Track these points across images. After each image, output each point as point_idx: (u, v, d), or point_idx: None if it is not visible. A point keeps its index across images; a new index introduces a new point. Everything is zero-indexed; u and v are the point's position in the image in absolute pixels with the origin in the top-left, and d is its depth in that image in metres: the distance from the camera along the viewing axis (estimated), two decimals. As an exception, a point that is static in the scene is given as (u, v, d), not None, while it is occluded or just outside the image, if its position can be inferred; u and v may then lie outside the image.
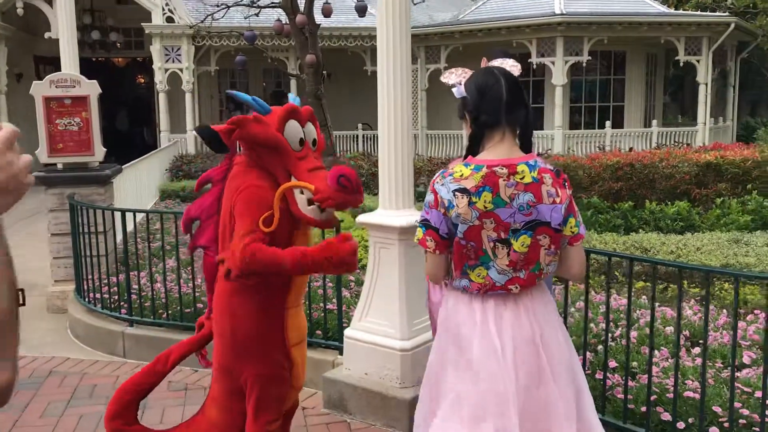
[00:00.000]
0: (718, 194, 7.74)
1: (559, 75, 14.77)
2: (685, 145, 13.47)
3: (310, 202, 2.61)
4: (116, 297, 5.38)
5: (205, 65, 16.17)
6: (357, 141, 17.27)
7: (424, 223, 2.28)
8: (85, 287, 5.68)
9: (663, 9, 16.69)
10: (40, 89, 5.97)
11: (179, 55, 15.54)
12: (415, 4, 14.14)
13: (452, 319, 2.34)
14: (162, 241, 5.28)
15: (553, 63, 14.87)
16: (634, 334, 4.19)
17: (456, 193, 2.18)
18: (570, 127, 16.00)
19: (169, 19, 15.33)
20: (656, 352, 3.98)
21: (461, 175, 2.20)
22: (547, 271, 2.29)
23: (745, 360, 3.83)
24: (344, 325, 4.48)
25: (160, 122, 15.76)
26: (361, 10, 13.21)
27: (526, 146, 2.31)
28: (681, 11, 17.37)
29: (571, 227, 2.26)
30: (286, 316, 2.77)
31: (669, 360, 3.93)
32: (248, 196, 2.57)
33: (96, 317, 5.45)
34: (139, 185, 9.63)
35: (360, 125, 17.29)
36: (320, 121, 13.70)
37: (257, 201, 2.57)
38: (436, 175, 2.29)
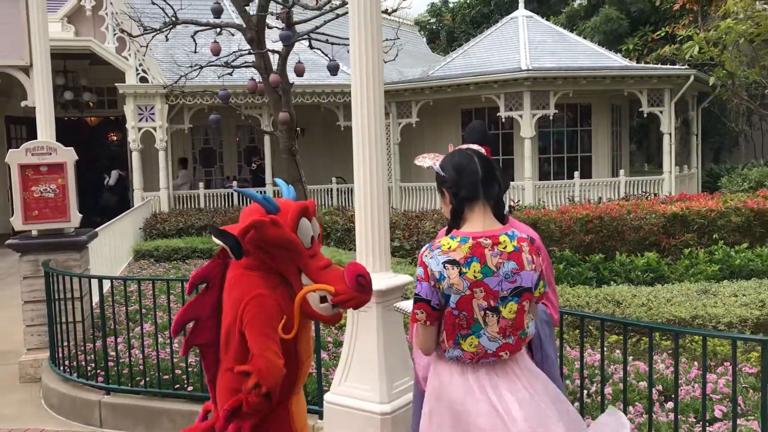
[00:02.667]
0: (686, 244, 7.94)
1: (527, 128, 15.13)
2: (652, 195, 13.78)
3: (322, 300, 2.66)
4: (92, 365, 5.33)
5: (179, 123, 16.28)
6: (331, 195, 17.40)
7: (414, 297, 2.38)
8: (60, 355, 5.62)
9: (625, 63, 17.27)
10: (16, 157, 6.00)
11: (152, 113, 15.65)
12: (386, 62, 14.49)
13: (448, 392, 2.41)
14: (139, 305, 5.27)
15: (521, 116, 15.24)
16: (608, 389, 4.27)
17: (446, 264, 2.30)
18: (539, 178, 16.30)
19: (143, 79, 15.48)
20: (630, 408, 4.05)
21: (449, 248, 2.33)
22: (530, 334, 2.41)
23: (717, 414, 3.92)
24: (324, 388, 4.50)
25: (134, 180, 15.75)
26: (334, 69, 13.48)
27: (499, 217, 2.46)
28: (642, 65, 17.97)
29: (539, 289, 2.42)
30: (291, 404, 2.79)
31: (644, 415, 4.00)
32: (259, 307, 2.56)
33: (71, 386, 5.39)
34: (113, 246, 9.59)
35: (334, 179, 17.45)
36: (294, 177, 13.90)
37: (267, 312, 2.56)
38: (423, 248, 2.41)
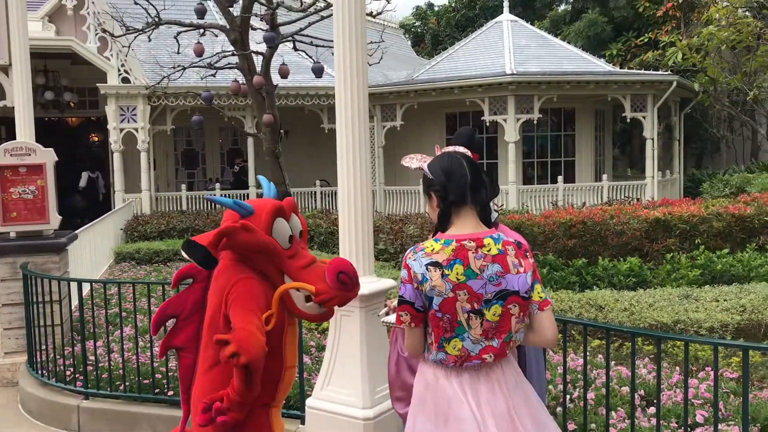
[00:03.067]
0: (668, 249, 7.99)
1: (511, 132, 15.18)
2: (635, 200, 13.87)
3: (307, 299, 2.61)
4: (71, 369, 5.25)
5: (161, 124, 16.16)
6: (315, 198, 17.35)
7: (399, 299, 2.36)
8: (38, 359, 5.53)
9: (609, 68, 17.38)
10: (-6, 158, 5.91)
11: (134, 114, 15.52)
12: (370, 65, 14.47)
13: (434, 394, 2.39)
14: (119, 309, 5.21)
15: (505, 120, 15.29)
16: (591, 395, 4.27)
17: (428, 266, 2.29)
18: (523, 182, 16.36)
19: (125, 80, 15.36)
20: (613, 413, 4.05)
21: (432, 250, 2.31)
22: (517, 339, 2.39)
23: (699, 419, 3.92)
24: (307, 393, 4.46)
25: (115, 182, 15.61)
26: (318, 71, 13.44)
27: (485, 221, 2.45)
28: (626, 70, 18.11)
29: (538, 293, 2.39)
30: (272, 413, 2.73)
31: (626, 420, 4.00)
32: (244, 287, 2.52)
33: (49, 390, 5.31)
34: (94, 248, 9.49)
35: (318, 182, 17.40)
36: (278, 180, 13.85)
37: (251, 292, 2.52)
38: (408, 251, 2.38)
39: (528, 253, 2.42)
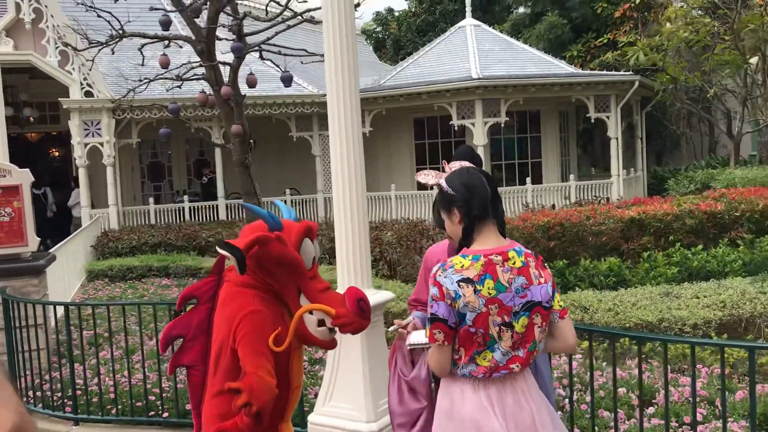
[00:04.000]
0: (644, 248, 8.14)
1: (479, 135, 15.31)
2: (604, 200, 14.10)
3: (319, 323, 2.60)
4: (59, 394, 5.14)
5: (126, 137, 15.90)
6: (285, 207, 17.22)
7: (431, 317, 2.36)
8: (23, 385, 5.40)
9: (572, 70, 17.66)
10: (-32, 180, 5.75)
11: (99, 129, 15.25)
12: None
13: (460, 411, 2.40)
14: (109, 331, 5.11)
15: (473, 124, 15.41)
16: (588, 397, 4.32)
17: (460, 283, 2.30)
18: (492, 185, 16.48)
19: (88, 94, 15.08)
20: (611, 414, 4.11)
21: (462, 266, 2.33)
22: (540, 348, 2.42)
23: (698, 417, 4.00)
24: (305, 409, 4.43)
25: (81, 198, 15.30)
26: (287, 80, 13.38)
27: (503, 234, 2.48)
28: (589, 71, 18.40)
29: (558, 302, 2.44)
30: (281, 430, 2.72)
31: (626, 422, 4.07)
32: (254, 324, 2.49)
33: (36, 418, 5.17)
34: (66, 267, 9.30)
35: (288, 191, 17.31)
36: (248, 190, 13.76)
37: (261, 330, 2.49)
38: (436, 268, 2.39)
39: (545, 264, 2.47)
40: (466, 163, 2.70)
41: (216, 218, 16.30)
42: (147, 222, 15.75)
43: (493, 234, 2.44)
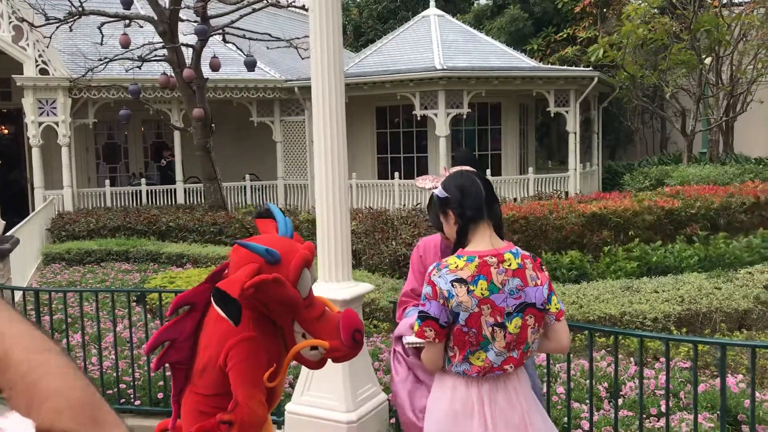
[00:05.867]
0: (604, 242, 8.36)
1: (442, 126, 15.41)
2: (563, 193, 14.37)
3: (312, 347, 2.60)
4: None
5: (82, 118, 15.52)
6: (245, 192, 17.10)
7: (422, 315, 2.41)
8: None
9: (533, 64, 17.88)
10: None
11: (54, 108, 14.84)
12: (303, 59, 14.37)
13: (445, 404, 2.47)
14: (81, 319, 5.03)
15: (435, 115, 15.51)
16: (561, 389, 4.46)
17: (454, 283, 2.36)
18: (453, 175, 16.63)
19: (43, 71, 14.64)
20: (583, 406, 4.25)
21: (456, 266, 2.38)
22: (533, 349, 2.50)
23: (663, 408, 4.16)
24: (281, 398, 4.46)
25: (34, 178, 14.90)
26: (251, 65, 13.27)
27: (499, 235, 2.54)
28: (550, 66, 18.66)
29: (555, 304, 2.50)
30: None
31: (596, 413, 4.21)
32: (248, 351, 2.47)
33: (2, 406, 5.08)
34: (22, 250, 9.07)
35: (248, 176, 17.16)
36: (209, 175, 13.64)
37: (255, 358, 2.48)
38: (431, 267, 2.44)
39: (543, 266, 2.54)
40: (467, 168, 2.76)
41: (174, 202, 16.07)
42: (103, 205, 15.44)
43: (488, 235, 2.49)
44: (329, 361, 4.03)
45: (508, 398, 2.47)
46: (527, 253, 2.52)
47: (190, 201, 16.16)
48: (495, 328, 2.39)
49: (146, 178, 17.16)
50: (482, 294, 2.36)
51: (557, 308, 2.51)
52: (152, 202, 15.89)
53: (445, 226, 2.63)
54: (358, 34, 31.81)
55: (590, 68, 16.84)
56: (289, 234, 2.66)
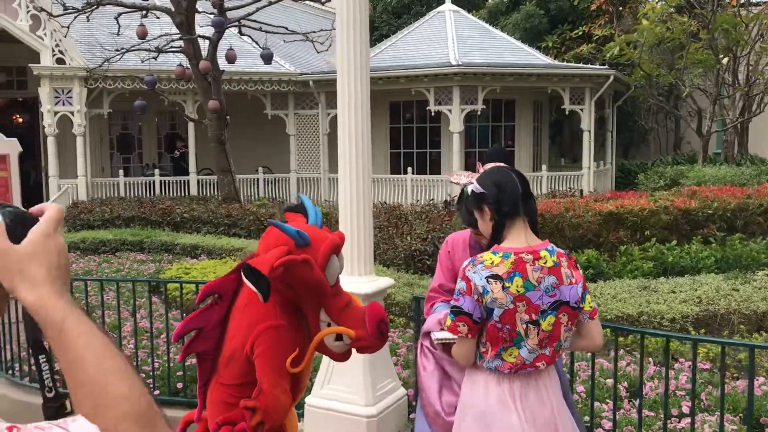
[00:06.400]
0: (620, 242, 8.33)
1: (456, 122, 15.38)
2: (578, 192, 14.32)
3: (337, 338, 2.59)
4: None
5: (97, 107, 15.58)
6: (258, 185, 17.13)
7: (455, 310, 2.41)
8: (5, 358, 5.33)
9: (549, 61, 17.82)
10: (-47, 147, 5.61)
11: (70, 97, 14.90)
12: (318, 53, 14.37)
13: (482, 401, 2.47)
14: (102, 308, 5.06)
15: (450, 111, 15.47)
16: (581, 388, 4.46)
17: (489, 279, 2.35)
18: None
19: (60, 61, 14.70)
20: (604, 405, 4.24)
21: (492, 263, 2.38)
22: (565, 347, 2.50)
23: (684, 410, 4.16)
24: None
25: (49, 167, 14.97)
26: (267, 58, 13.26)
27: (535, 232, 2.54)
28: (566, 64, 18.58)
29: (589, 303, 2.50)
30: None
31: (618, 412, 4.20)
32: (274, 339, 2.47)
33: (23, 391, 5.12)
34: (39, 239, 9.12)
35: (261, 169, 17.18)
36: (223, 167, 13.64)
37: (283, 347, 2.47)
38: (466, 262, 2.44)
39: (577, 264, 2.54)
40: (501, 164, 2.75)
41: (187, 193, 16.12)
42: (117, 195, 15.50)
43: (524, 232, 2.49)
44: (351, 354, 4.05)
45: (538, 395, 2.47)
46: (562, 251, 2.51)
47: (203, 193, 16.21)
48: (529, 325, 2.39)
49: (159, 169, 17.21)
50: (517, 291, 2.36)
51: (591, 306, 2.51)
52: (165, 193, 15.94)
53: (480, 222, 2.61)
54: (372, 29, 31.71)
55: (606, 66, 16.72)
56: (318, 224, 2.65)
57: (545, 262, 2.41)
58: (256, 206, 12.81)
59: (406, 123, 17.37)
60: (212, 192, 15.91)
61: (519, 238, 2.47)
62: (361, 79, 4.08)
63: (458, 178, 2.71)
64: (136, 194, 15.67)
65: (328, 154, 16.97)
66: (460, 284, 2.42)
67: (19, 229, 0.99)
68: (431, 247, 8.45)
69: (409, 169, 16.22)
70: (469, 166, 17.09)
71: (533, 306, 2.37)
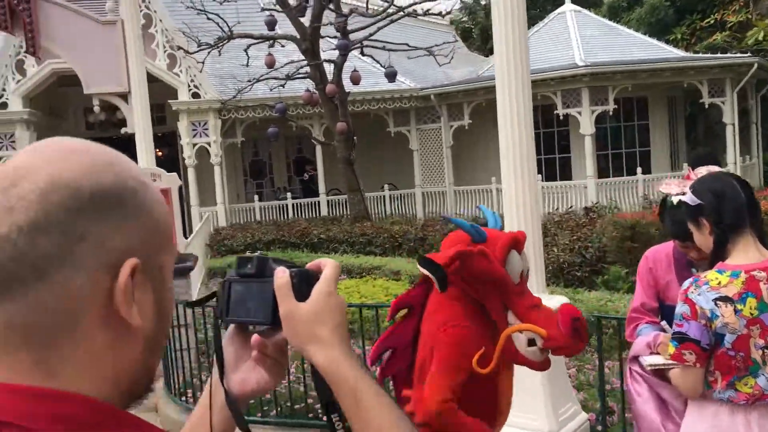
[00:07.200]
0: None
1: (586, 124, 14.84)
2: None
3: (530, 343, 2.45)
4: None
5: (231, 137, 16.27)
6: (384, 202, 17.25)
7: (678, 337, 2.19)
8: (177, 383, 5.52)
9: (682, 54, 16.88)
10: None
11: (206, 129, 15.64)
12: (441, 65, 14.31)
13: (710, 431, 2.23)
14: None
15: (579, 113, 14.95)
16: None
17: (717, 302, 2.12)
18: (597, 176, 15.99)
19: (195, 95, 15.47)
20: None
21: (719, 283, 2.14)
22: None
23: None
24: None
25: (190, 196, 15.75)
26: (392, 76, 13.36)
27: (763, 244, 2.26)
28: (702, 55, 17.53)
29: None
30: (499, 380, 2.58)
31: None
32: (454, 339, 2.32)
33: (197, 418, 5.27)
34: (190, 266, 9.54)
35: (386, 186, 17.29)
36: (352, 186, 13.79)
37: (463, 346, 2.38)
38: (687, 284, 2.21)
39: None
40: (714, 168, 2.49)
41: (318, 214, 16.47)
42: (253, 219, 16.07)
43: (752, 246, 2.22)
44: (529, 374, 3.85)
45: None
46: None
47: (332, 212, 16.51)
48: (765, 350, 2.12)
49: (290, 191, 17.72)
50: (751, 314, 2.10)
51: None
52: (298, 215, 16.36)
53: (697, 236, 2.36)
54: (486, 38, 31.39)
55: (747, 54, 15.62)
56: (497, 227, 2.56)
57: None
58: (390, 224, 12.86)
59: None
60: (341, 211, 16.17)
61: (747, 252, 2.20)
62: (522, 82, 3.92)
63: (669, 187, 2.47)
64: (271, 217, 16.17)
65: (452, 166, 16.84)
66: (683, 308, 2.19)
67: (304, 287, 0.99)
68: (579, 258, 8.10)
69: (539, 176, 15.80)
70: (600, 171, 16.45)
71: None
